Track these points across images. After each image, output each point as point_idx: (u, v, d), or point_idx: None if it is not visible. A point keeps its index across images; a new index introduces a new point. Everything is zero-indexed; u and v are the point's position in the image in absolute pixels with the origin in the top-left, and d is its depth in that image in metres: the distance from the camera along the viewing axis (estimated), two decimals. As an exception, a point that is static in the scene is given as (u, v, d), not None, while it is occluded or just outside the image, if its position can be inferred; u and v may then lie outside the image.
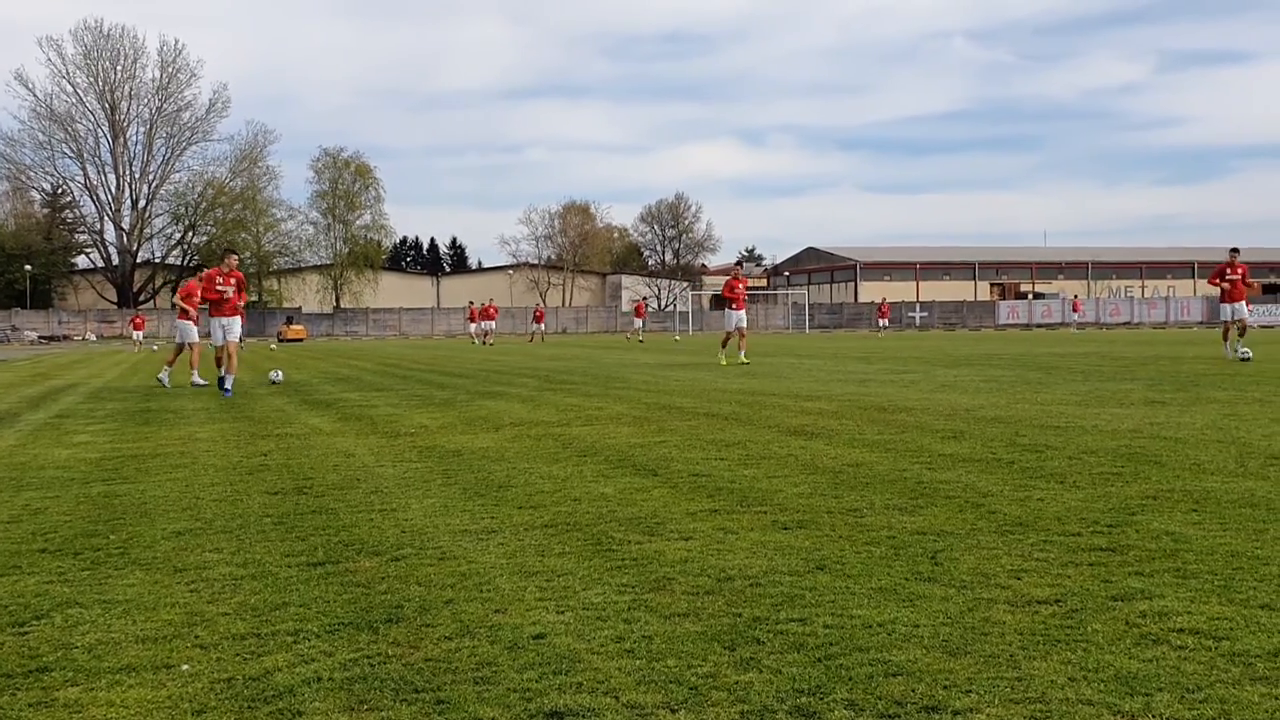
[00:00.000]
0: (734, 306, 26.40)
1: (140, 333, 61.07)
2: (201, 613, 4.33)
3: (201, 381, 19.73)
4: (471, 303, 68.05)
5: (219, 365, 18.16)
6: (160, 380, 20.00)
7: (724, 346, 26.98)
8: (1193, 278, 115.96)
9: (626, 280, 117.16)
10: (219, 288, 18.23)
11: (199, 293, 18.58)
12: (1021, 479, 7.18)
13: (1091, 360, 24.04)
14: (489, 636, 3.93)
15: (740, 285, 26.77)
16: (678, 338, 64.24)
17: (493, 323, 58.51)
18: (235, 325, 18.09)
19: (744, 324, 26.38)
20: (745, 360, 25.27)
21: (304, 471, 8.29)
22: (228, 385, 17.31)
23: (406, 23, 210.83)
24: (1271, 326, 76.99)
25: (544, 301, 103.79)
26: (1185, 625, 3.87)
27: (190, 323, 20.86)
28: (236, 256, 19.19)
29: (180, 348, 21.01)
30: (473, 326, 64.13)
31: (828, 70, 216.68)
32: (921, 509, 6.20)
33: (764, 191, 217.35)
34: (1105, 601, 4.20)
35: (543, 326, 67.09)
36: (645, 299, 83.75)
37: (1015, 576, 4.61)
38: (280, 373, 21.00)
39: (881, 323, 76.27)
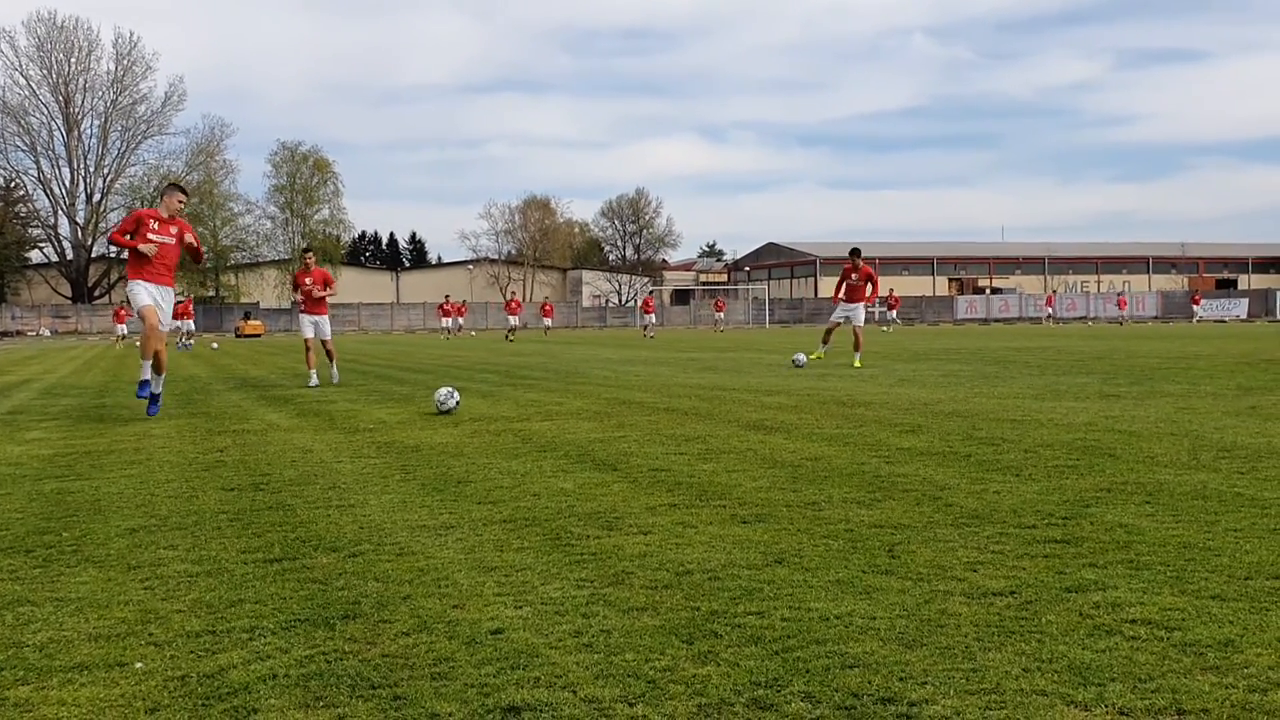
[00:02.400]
0: (847, 299, 21.50)
1: (124, 326, 54.23)
2: (155, 610, 4.29)
3: (317, 381, 17.60)
4: (448, 297, 67.75)
5: (157, 367, 12.24)
6: (333, 379, 18.22)
7: (825, 342, 22.22)
8: (1148, 273, 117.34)
9: (587, 275, 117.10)
10: (152, 234, 11.90)
11: (124, 240, 11.93)
12: (978, 472, 7.23)
13: (1047, 354, 24.24)
14: (447, 632, 3.91)
15: (856, 273, 21.32)
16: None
17: (516, 318, 57.90)
18: (169, 298, 12.37)
19: (859, 320, 21.38)
20: (858, 364, 20.31)
21: (261, 467, 8.22)
22: (155, 390, 12.25)
23: (365, 16, 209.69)
24: (1223, 321, 78.00)
25: (505, 295, 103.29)
26: (1138, 616, 3.92)
27: (306, 315, 18.57)
28: (183, 196, 12.40)
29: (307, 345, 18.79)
30: (446, 321, 63.77)
31: (788, 67, 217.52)
32: (879, 502, 6.23)
33: (724, 187, 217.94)
34: (1059, 593, 4.24)
35: (550, 321, 67.55)
36: (651, 293, 79.82)
37: (971, 569, 4.64)
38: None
39: (890, 315, 65.57)
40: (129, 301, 12.07)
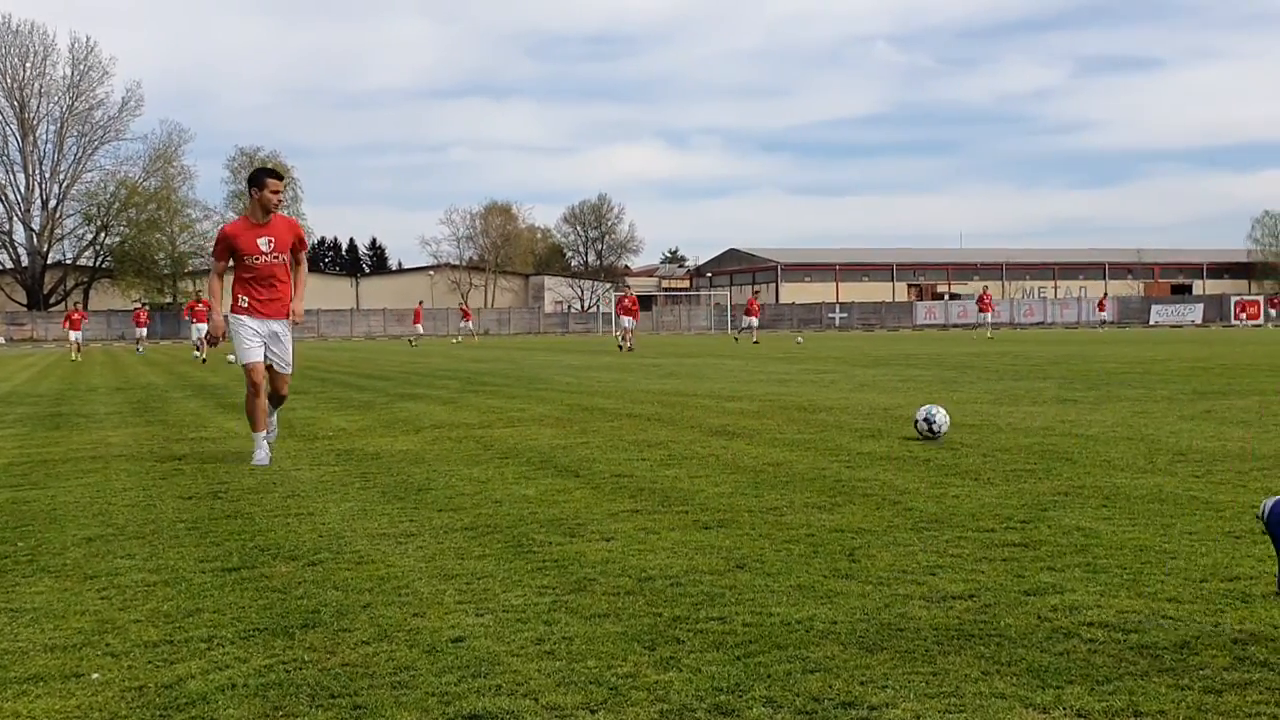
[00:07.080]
0: None
1: (78, 333, 46.73)
2: (112, 620, 4.24)
3: (268, 454, 8.91)
4: (464, 304, 66.92)
5: None
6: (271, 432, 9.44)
7: None
8: (1104, 279, 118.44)
9: (549, 281, 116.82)
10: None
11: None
12: (937, 476, 7.28)
13: (1005, 359, 24.44)
14: (407, 640, 3.89)
15: None
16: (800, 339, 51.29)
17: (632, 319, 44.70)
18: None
19: None
20: None
21: (219, 476, 8.15)
22: None
23: (326, 20, 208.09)
24: (1179, 326, 79.01)
25: (466, 301, 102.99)
26: (1095, 619, 3.95)
27: (248, 320, 9.00)
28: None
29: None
30: (465, 324, 63.24)
31: (751, 73, 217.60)
32: (840, 507, 6.26)
33: (687, 193, 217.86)
34: (1018, 596, 4.28)
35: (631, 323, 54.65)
36: (757, 292, 66.91)
37: (930, 572, 4.67)
38: None
39: (987, 317, 54.71)
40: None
